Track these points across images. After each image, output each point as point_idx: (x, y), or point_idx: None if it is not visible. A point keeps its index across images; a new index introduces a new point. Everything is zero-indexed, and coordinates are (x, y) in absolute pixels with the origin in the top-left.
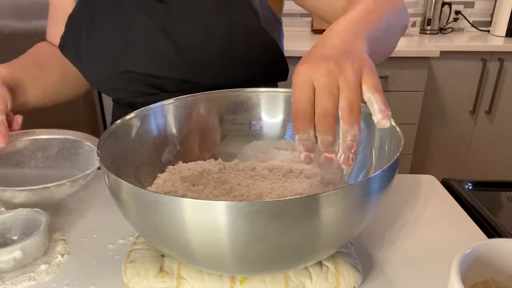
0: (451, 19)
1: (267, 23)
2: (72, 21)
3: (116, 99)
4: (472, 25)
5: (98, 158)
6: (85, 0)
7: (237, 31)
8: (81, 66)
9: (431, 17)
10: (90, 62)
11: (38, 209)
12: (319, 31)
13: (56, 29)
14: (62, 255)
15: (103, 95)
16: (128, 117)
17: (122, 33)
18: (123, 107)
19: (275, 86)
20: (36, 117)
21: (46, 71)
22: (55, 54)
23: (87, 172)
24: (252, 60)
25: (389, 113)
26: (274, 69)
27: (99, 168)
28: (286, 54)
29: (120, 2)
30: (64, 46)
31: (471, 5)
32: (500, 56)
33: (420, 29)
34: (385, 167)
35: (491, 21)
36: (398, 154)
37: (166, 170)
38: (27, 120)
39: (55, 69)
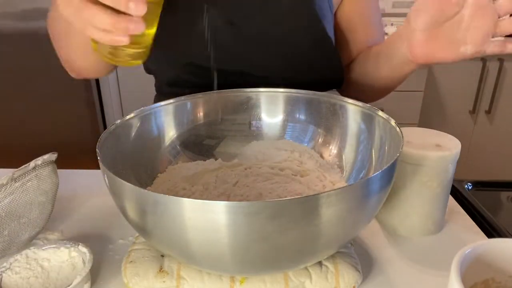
0: None
1: (331, 29)
2: None
3: (168, 92)
4: None
5: None
6: None
7: (304, 33)
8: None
9: None
10: (156, 54)
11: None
12: None
13: None
14: None
15: (103, 95)
16: (128, 117)
17: (189, 24)
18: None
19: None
20: (37, 117)
21: None
22: None
23: None
24: (313, 62)
25: None
26: (332, 75)
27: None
28: None
29: None
30: None
31: None
32: (500, 56)
33: None
34: (385, 167)
35: None
36: (398, 154)
37: (166, 170)
38: (28, 120)
39: None
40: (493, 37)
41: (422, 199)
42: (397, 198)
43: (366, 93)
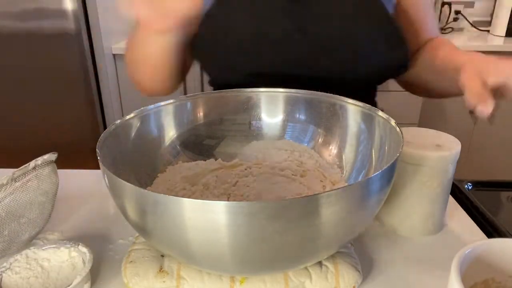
0: (451, 19)
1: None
2: (208, 20)
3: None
4: (472, 25)
5: None
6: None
7: (374, 35)
8: (212, 66)
9: None
10: (222, 63)
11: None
12: None
13: None
14: None
15: (103, 95)
16: (128, 117)
17: (258, 33)
18: None
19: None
20: (37, 117)
21: None
22: None
23: None
24: (383, 63)
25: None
26: (396, 72)
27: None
28: None
29: (256, 2)
30: (197, 45)
31: (471, 5)
32: (500, 56)
33: None
34: (385, 167)
35: (491, 21)
36: (398, 154)
37: (166, 170)
38: (28, 120)
39: None
40: None
41: (422, 199)
42: (397, 198)
43: (424, 93)
